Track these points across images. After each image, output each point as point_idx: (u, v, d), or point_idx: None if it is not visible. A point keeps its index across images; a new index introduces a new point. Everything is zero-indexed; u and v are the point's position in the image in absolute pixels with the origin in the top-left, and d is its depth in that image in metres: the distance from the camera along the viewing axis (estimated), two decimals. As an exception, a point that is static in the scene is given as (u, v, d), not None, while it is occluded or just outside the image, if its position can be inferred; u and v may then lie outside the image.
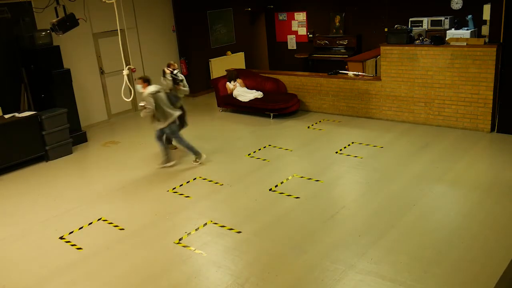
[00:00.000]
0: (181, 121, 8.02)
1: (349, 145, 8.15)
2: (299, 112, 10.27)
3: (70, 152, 8.89)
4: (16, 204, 6.92)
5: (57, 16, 7.46)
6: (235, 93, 10.50)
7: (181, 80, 8.07)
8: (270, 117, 10.07)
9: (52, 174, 8.01)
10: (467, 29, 9.19)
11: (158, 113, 7.34)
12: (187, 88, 8.26)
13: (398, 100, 9.04)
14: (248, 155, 8.07)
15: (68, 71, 9.31)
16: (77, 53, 10.30)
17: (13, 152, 8.13)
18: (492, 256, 4.73)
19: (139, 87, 7.33)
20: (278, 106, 9.87)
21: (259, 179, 7.06)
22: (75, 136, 9.22)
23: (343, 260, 4.84)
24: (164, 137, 7.69)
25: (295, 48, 14.20)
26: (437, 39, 8.46)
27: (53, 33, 8.07)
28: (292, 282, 4.61)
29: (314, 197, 6.35)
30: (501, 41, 7.91)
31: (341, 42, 12.87)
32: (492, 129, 8.17)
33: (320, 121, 9.65)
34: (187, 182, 7.18)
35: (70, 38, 9.55)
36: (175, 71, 8.03)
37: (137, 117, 11.42)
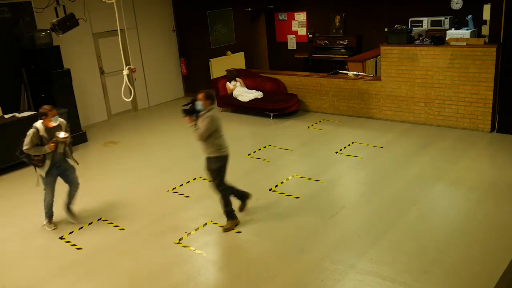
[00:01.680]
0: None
1: (349, 145, 8.15)
2: (299, 112, 10.27)
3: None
4: (16, 204, 6.92)
5: (57, 16, 7.45)
6: (235, 93, 10.50)
7: (197, 112, 5.52)
8: (270, 117, 10.07)
9: (52, 174, 8.01)
10: (467, 29, 9.19)
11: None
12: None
13: (398, 100, 9.04)
14: (248, 155, 8.07)
15: (68, 71, 9.31)
16: (77, 53, 10.29)
17: (13, 152, 8.10)
18: (492, 256, 4.73)
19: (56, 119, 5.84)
20: (278, 106, 9.87)
21: (259, 179, 7.06)
22: (75, 136, 9.18)
23: (343, 260, 4.84)
24: None
25: (295, 48, 14.19)
26: (437, 39, 8.46)
27: (53, 33, 8.07)
28: (292, 282, 4.61)
29: (314, 197, 6.35)
30: (501, 41, 7.91)
31: (341, 42, 12.86)
32: (492, 129, 8.17)
33: (320, 121, 9.65)
34: (187, 182, 7.18)
35: (70, 38, 9.54)
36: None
37: (137, 117, 11.45)
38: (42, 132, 5.76)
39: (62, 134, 5.78)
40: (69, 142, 6.02)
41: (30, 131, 5.75)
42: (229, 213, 5.72)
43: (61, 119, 6.00)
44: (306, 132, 9.07)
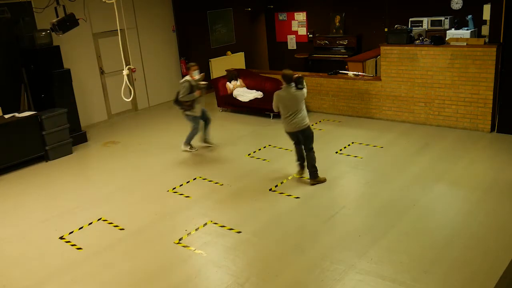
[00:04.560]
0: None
1: (349, 145, 8.15)
2: (299, 112, 10.25)
3: (70, 152, 8.89)
4: (16, 204, 6.92)
5: (57, 16, 7.46)
6: (235, 93, 10.50)
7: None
8: (270, 117, 10.07)
9: (52, 174, 8.01)
10: (467, 29, 9.20)
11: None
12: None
13: (398, 100, 9.04)
14: (248, 155, 8.07)
15: (68, 71, 9.31)
16: (77, 53, 10.30)
17: (13, 152, 8.13)
18: (492, 256, 4.73)
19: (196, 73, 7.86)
20: (278, 106, 9.84)
21: (259, 179, 7.06)
22: (75, 136, 9.22)
23: (343, 260, 4.84)
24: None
25: (295, 48, 14.20)
26: (437, 39, 8.46)
27: (53, 33, 8.07)
28: (292, 282, 4.61)
29: (314, 197, 6.35)
30: (501, 41, 7.91)
31: (341, 42, 12.87)
32: (492, 129, 8.17)
33: (320, 121, 9.65)
34: (187, 182, 7.18)
35: (70, 38, 9.54)
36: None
37: (137, 117, 11.44)
38: (192, 83, 7.73)
39: (196, 74, 7.76)
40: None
41: (186, 83, 7.75)
42: None
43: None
44: (306, 132, 9.05)
